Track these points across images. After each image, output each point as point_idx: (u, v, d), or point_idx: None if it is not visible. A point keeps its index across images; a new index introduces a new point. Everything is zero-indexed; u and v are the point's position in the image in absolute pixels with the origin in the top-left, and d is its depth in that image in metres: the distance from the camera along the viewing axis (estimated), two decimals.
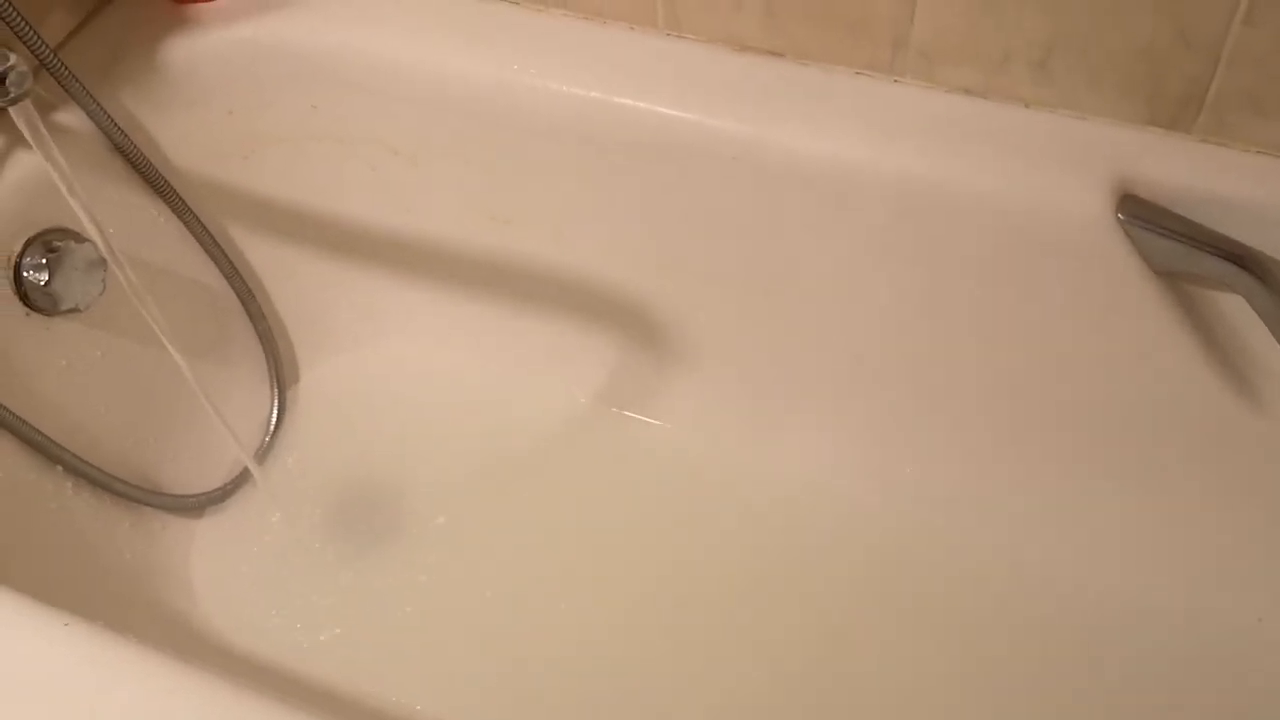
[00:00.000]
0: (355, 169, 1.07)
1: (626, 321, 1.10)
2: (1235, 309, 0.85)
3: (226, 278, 1.09)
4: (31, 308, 0.93)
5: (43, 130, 0.71)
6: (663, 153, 0.94)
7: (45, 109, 0.95)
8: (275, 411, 1.15)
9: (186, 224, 1.05)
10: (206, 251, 1.07)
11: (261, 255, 1.12)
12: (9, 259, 0.91)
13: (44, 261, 0.92)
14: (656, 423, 1.13)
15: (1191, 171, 0.82)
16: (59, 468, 0.94)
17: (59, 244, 0.94)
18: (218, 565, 1.05)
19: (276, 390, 1.14)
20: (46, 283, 0.93)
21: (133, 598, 0.97)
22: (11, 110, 0.76)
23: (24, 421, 0.89)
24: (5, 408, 0.88)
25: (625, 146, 0.95)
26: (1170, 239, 0.81)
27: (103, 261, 0.96)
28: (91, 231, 0.77)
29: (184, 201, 1.03)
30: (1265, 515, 0.95)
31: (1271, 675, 0.95)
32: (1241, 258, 0.79)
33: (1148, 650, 0.97)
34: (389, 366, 1.19)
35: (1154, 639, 0.97)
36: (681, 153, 0.93)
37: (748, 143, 0.91)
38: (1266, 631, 0.96)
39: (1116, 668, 0.96)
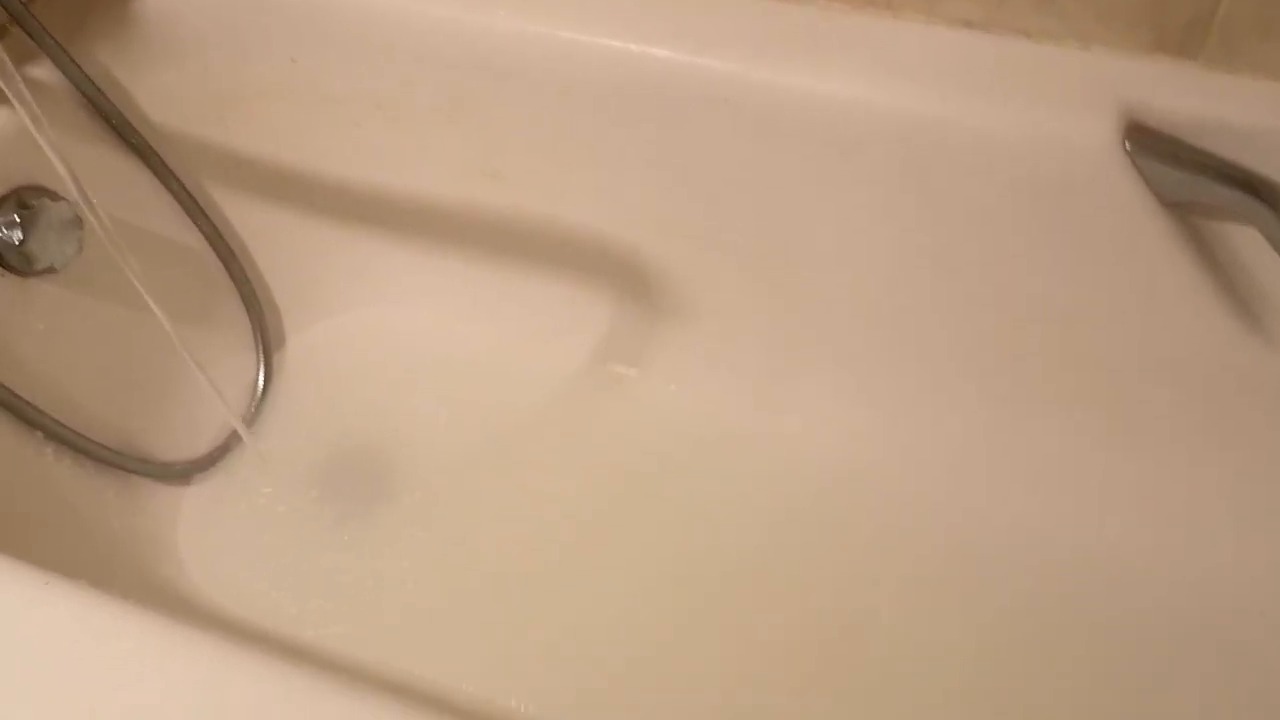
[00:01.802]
0: (338, 125, 1.04)
1: (623, 278, 1.07)
2: (1244, 242, 0.83)
3: (208, 239, 1.06)
4: (6, 268, 0.90)
5: (10, 66, 0.68)
6: (654, 97, 0.91)
7: (17, 64, 0.92)
8: (261, 377, 1.12)
9: (165, 184, 1.02)
10: (186, 212, 1.04)
11: (244, 216, 1.09)
12: None
13: (17, 219, 0.89)
14: (656, 382, 1.11)
15: (1200, 99, 0.80)
16: (39, 433, 0.91)
17: (33, 202, 0.91)
18: (205, 533, 1.03)
19: (262, 355, 1.12)
20: (21, 242, 0.90)
21: (118, 565, 0.95)
22: None
23: (2, 385, 0.87)
24: None
25: (616, 91, 0.92)
26: (1179, 169, 0.79)
27: (79, 221, 0.94)
28: (64, 176, 0.74)
29: (162, 160, 1.01)
30: (1267, 456, 0.93)
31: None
32: (1253, 185, 0.77)
33: (1162, 608, 0.95)
34: (377, 329, 1.16)
35: (1167, 597, 0.96)
36: (674, 96, 0.90)
37: (742, 84, 0.88)
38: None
39: (1122, 619, 0.95)
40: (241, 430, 1.02)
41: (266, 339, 1.12)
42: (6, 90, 0.70)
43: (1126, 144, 0.80)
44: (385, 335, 1.16)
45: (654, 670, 0.95)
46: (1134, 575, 0.97)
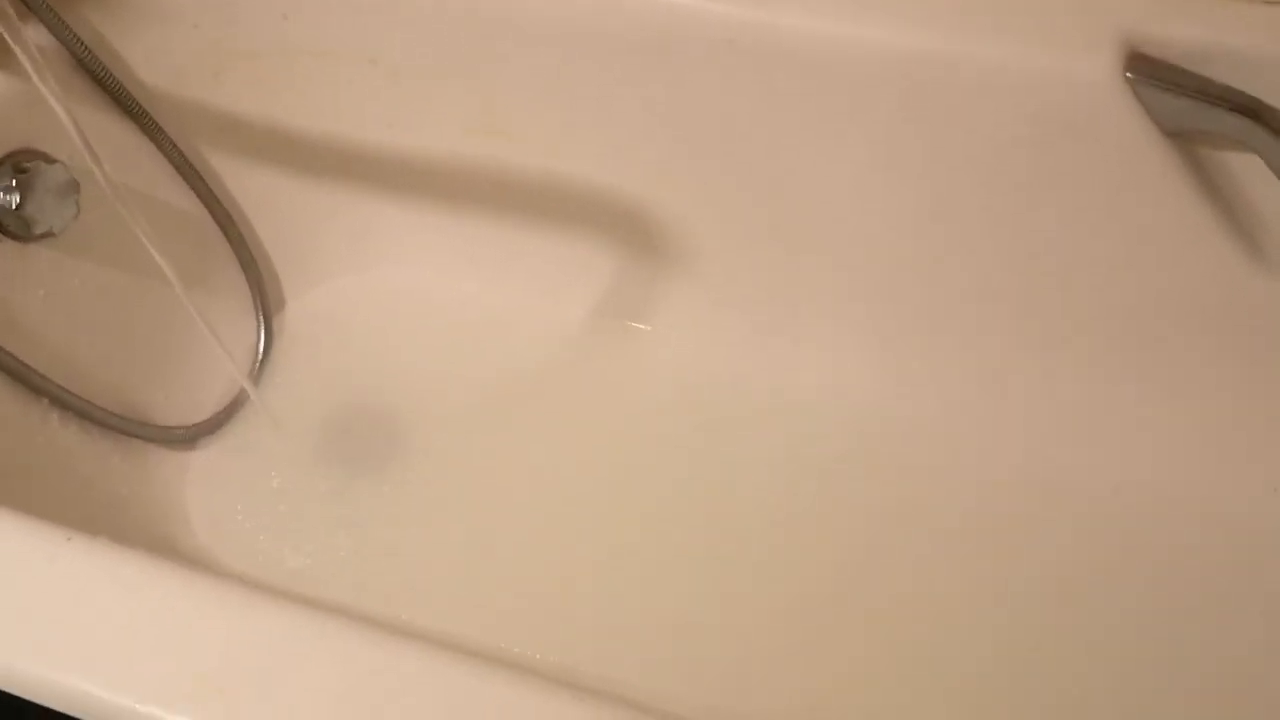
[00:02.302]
0: (333, 84, 1.03)
1: (626, 230, 1.07)
2: (1246, 170, 0.83)
3: (203, 202, 1.05)
4: (4, 233, 0.89)
5: (13, 16, 0.67)
6: (655, 43, 0.90)
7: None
8: (262, 340, 1.11)
9: (159, 146, 1.01)
10: (181, 175, 1.03)
11: (240, 178, 1.08)
12: None
13: (14, 184, 0.89)
14: (660, 333, 1.11)
15: (1201, 26, 0.80)
16: (44, 400, 0.91)
17: (28, 165, 0.90)
18: (213, 496, 1.02)
19: (262, 318, 1.11)
20: (19, 206, 0.89)
21: (127, 529, 0.94)
22: None
23: (6, 352, 0.86)
24: None
25: (616, 39, 0.92)
26: (1181, 96, 0.79)
27: (75, 184, 0.93)
28: (70, 129, 0.73)
29: (156, 123, 1.00)
30: (1274, 385, 0.94)
31: None
32: (1254, 110, 0.78)
33: (1167, 533, 0.96)
34: (378, 291, 1.15)
35: (1172, 522, 0.97)
36: (675, 41, 0.90)
37: (741, 26, 0.88)
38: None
39: (1136, 552, 0.96)
40: (250, 389, 1.01)
41: (266, 303, 1.12)
42: (11, 41, 0.68)
43: (1128, 74, 0.80)
44: (386, 296, 1.15)
45: (671, 618, 0.95)
46: (1147, 505, 0.98)
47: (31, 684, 0.60)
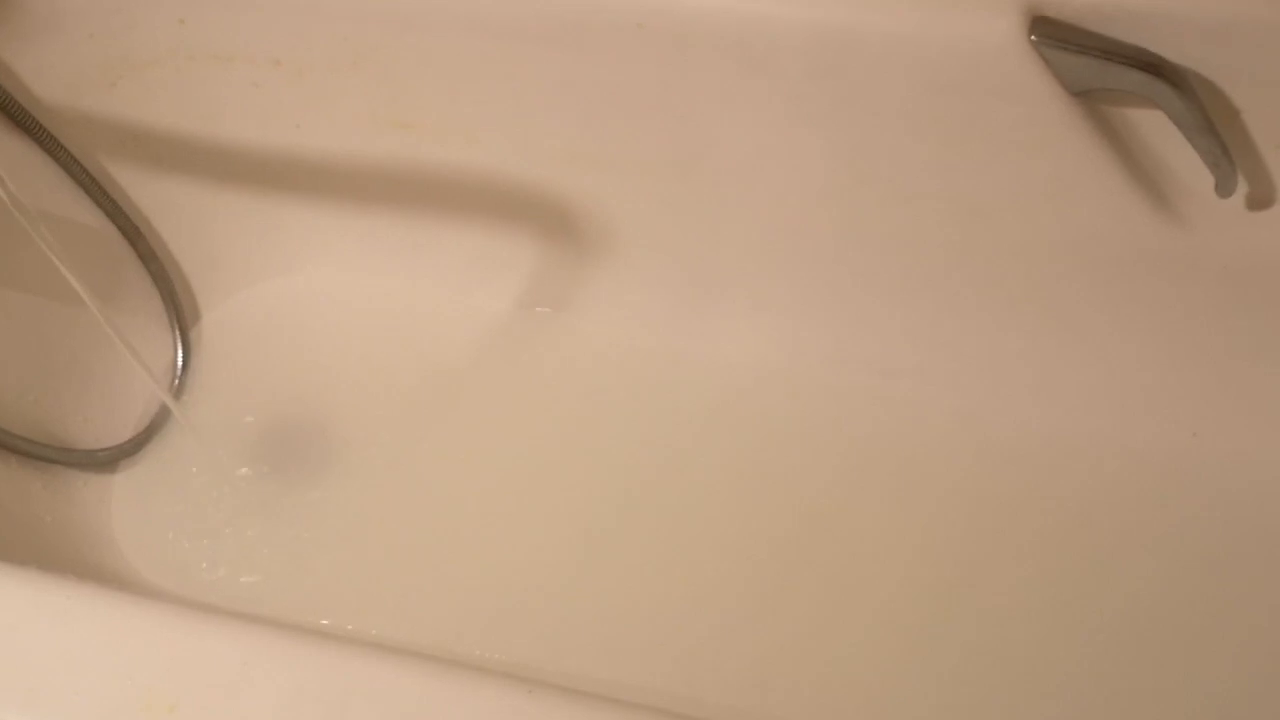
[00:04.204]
0: (236, 87, 1.01)
1: (542, 217, 1.06)
2: (1150, 125, 0.85)
3: (109, 217, 1.03)
4: None
5: None
6: (562, 27, 0.90)
7: None
8: (179, 355, 1.08)
9: (59, 161, 0.98)
10: (84, 190, 1.00)
11: (145, 190, 1.05)
12: None
13: None
14: (585, 317, 1.10)
15: None
16: None
17: None
18: (140, 518, 1.00)
19: (178, 332, 1.08)
20: None
21: (55, 558, 0.91)
22: None
23: None
24: None
25: (522, 25, 0.91)
26: (1085, 55, 0.81)
27: None
28: None
29: (53, 137, 0.97)
30: (1189, 333, 0.97)
31: (1210, 485, 0.98)
32: (1156, 66, 0.79)
33: (1093, 479, 0.99)
34: (295, 295, 1.13)
35: (1097, 468, 1.00)
36: (581, 24, 0.89)
37: (650, 8, 0.87)
38: (1201, 445, 0.99)
39: (1063, 498, 0.98)
40: (171, 404, 0.99)
41: (181, 316, 1.09)
42: None
43: (1032, 36, 0.82)
44: (304, 300, 1.13)
45: (621, 602, 0.95)
46: (1073, 454, 1.00)
47: None
